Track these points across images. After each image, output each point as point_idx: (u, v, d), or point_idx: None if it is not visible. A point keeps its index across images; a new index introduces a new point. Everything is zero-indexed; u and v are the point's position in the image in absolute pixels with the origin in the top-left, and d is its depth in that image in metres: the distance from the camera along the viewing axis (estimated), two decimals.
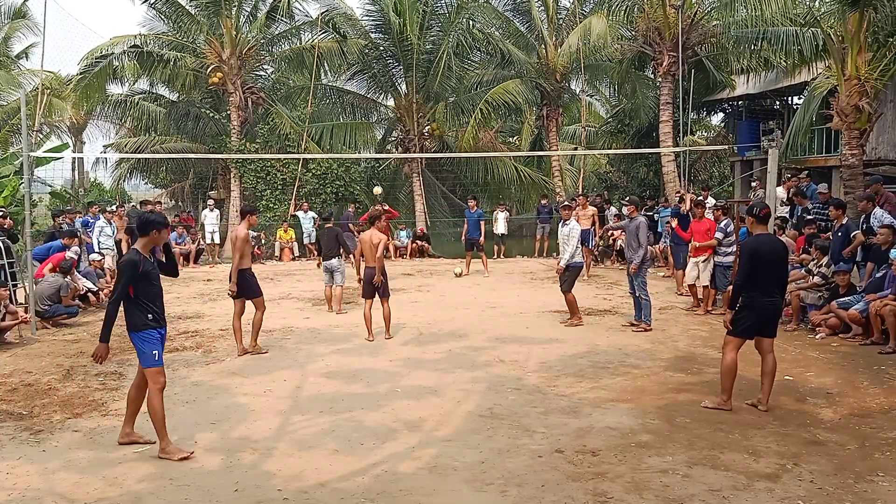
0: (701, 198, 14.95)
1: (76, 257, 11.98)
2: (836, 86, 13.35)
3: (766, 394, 6.34)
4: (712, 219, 11.54)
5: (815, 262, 10.15)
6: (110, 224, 15.19)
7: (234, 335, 8.73)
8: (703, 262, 11.00)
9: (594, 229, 16.19)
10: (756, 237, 6.27)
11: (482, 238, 16.62)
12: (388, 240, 19.12)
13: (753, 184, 17.03)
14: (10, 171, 17.97)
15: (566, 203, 10.69)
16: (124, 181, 29.48)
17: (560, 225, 10.40)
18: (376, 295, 9.43)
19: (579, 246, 10.20)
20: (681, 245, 12.51)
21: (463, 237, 17.03)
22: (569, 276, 10.12)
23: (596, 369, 7.79)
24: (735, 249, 10.78)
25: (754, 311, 6.16)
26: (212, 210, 20.37)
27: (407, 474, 5.00)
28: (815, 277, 9.88)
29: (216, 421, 6.18)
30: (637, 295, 9.90)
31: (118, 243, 15.47)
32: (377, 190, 17.07)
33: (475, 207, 17.02)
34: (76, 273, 11.88)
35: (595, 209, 16.55)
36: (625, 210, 12.03)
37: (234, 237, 8.77)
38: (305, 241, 20.07)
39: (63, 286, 10.60)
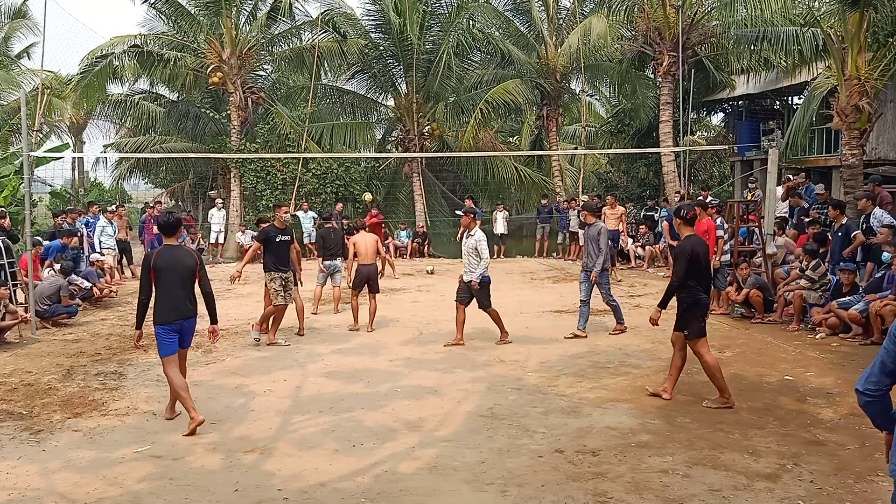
0: (701, 198, 14.95)
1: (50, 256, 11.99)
2: (836, 86, 13.35)
3: (671, 385, 6.66)
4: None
5: (804, 264, 10.16)
6: (111, 224, 15.18)
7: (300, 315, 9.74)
8: None
9: (622, 228, 16.13)
10: (688, 238, 6.48)
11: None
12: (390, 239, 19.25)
13: (751, 184, 17.01)
14: (10, 171, 17.98)
15: (467, 209, 9.47)
16: (124, 181, 29.49)
17: (465, 236, 9.09)
18: (365, 289, 9.97)
19: (487, 257, 8.95)
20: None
21: (458, 237, 16.95)
22: (483, 291, 8.92)
23: (596, 369, 7.79)
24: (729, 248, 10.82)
25: (701, 307, 6.41)
26: (219, 209, 20.37)
27: (407, 474, 5.00)
28: (802, 281, 9.86)
29: (216, 421, 6.18)
30: (605, 301, 9.54)
31: (117, 243, 15.51)
32: (367, 196, 17.08)
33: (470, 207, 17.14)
34: (77, 278, 11.89)
35: (623, 209, 16.31)
36: (581, 216, 11.36)
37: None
38: (305, 240, 20.06)
39: (63, 287, 10.60)
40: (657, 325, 6.61)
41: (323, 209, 20.52)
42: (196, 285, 6.29)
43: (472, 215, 9.15)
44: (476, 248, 8.81)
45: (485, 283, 8.90)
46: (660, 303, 6.54)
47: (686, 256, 6.30)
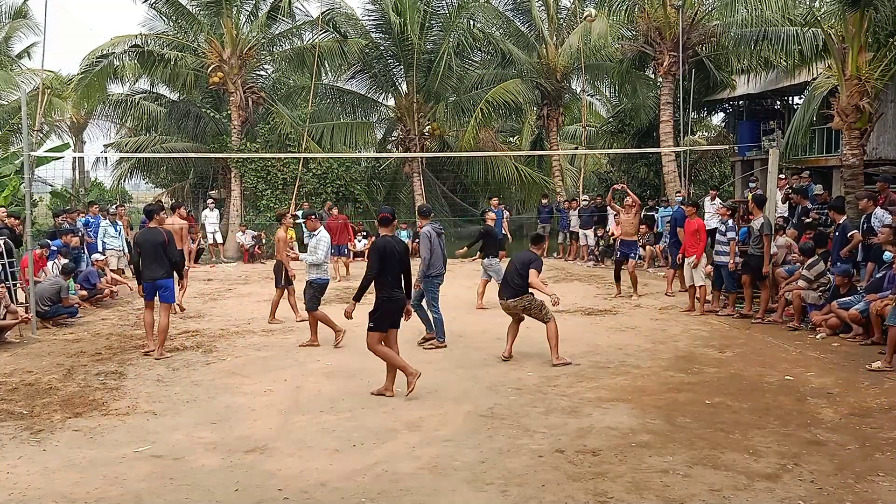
0: (708, 198, 14.89)
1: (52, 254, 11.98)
2: (837, 86, 13.35)
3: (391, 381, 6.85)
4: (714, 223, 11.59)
5: (801, 263, 10.16)
6: (114, 225, 15.12)
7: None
8: (692, 263, 10.98)
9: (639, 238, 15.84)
10: (383, 238, 6.87)
11: (508, 237, 16.35)
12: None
13: (752, 184, 17.00)
14: (11, 171, 18.01)
15: (307, 212, 9.82)
16: (125, 181, 29.48)
17: (307, 236, 9.43)
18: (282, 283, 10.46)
19: (328, 260, 9.13)
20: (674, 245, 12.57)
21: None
22: (312, 292, 8.99)
23: (596, 369, 7.79)
24: (728, 249, 10.75)
25: (390, 305, 6.69)
26: (212, 210, 20.38)
27: (407, 474, 5.00)
28: (800, 281, 9.86)
29: (216, 421, 6.19)
30: (427, 308, 8.95)
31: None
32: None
33: (497, 207, 17.09)
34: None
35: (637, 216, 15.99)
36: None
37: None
38: (305, 240, 20.03)
39: (63, 288, 10.59)
40: (350, 318, 6.84)
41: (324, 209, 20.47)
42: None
43: (312, 216, 9.45)
44: (315, 247, 9.03)
45: (316, 284, 8.95)
46: (354, 296, 6.77)
47: (378, 253, 6.65)
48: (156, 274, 8.29)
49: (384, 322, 6.71)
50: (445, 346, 8.89)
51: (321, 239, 9.10)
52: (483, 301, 11.75)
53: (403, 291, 6.85)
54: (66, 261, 11.65)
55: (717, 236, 11.08)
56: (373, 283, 6.71)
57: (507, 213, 20.64)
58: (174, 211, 12.51)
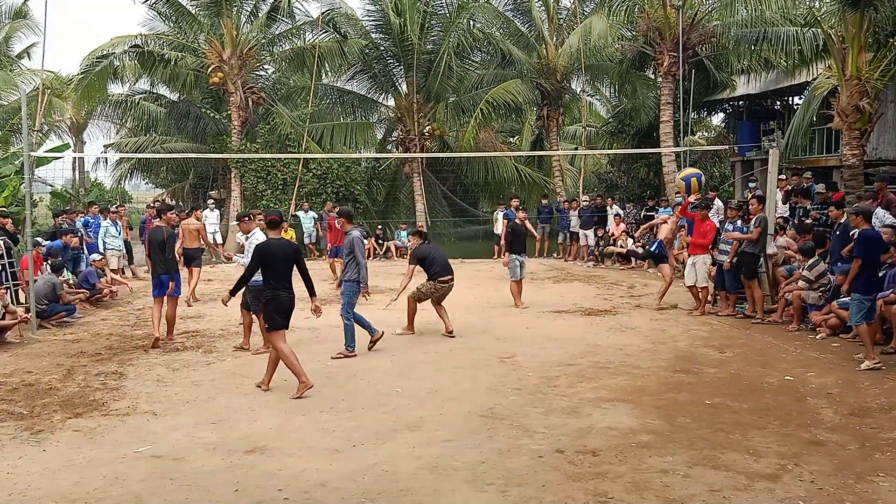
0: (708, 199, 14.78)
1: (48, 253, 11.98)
2: (837, 86, 13.35)
3: (269, 375, 7.12)
4: (715, 221, 11.57)
5: (801, 264, 10.14)
6: (115, 224, 15.10)
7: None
8: (699, 262, 10.96)
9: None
10: (270, 240, 7.15)
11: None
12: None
13: (752, 184, 17.00)
14: (11, 171, 18.01)
15: (244, 213, 9.80)
16: (125, 181, 29.49)
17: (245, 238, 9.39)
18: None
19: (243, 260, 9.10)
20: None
21: (504, 239, 16.43)
22: (251, 295, 8.62)
23: (596, 369, 7.79)
24: (729, 248, 10.75)
25: (279, 304, 6.91)
26: (212, 210, 20.39)
27: (407, 474, 5.00)
28: (801, 282, 9.85)
29: (216, 421, 6.19)
30: (341, 314, 8.54)
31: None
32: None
33: (507, 208, 17.12)
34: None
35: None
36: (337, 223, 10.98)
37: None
38: (306, 240, 20.06)
39: (57, 284, 10.57)
40: (226, 305, 7.64)
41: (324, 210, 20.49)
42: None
43: (246, 218, 9.50)
44: (249, 249, 8.69)
45: (254, 287, 8.41)
46: (231, 290, 7.25)
47: (259, 255, 6.97)
48: (157, 269, 9.01)
49: (275, 320, 6.89)
50: (355, 356, 8.44)
51: (253, 242, 8.71)
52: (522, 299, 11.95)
53: (291, 292, 7.00)
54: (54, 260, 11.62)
55: (722, 235, 11.09)
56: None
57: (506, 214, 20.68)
58: (192, 213, 13.33)
